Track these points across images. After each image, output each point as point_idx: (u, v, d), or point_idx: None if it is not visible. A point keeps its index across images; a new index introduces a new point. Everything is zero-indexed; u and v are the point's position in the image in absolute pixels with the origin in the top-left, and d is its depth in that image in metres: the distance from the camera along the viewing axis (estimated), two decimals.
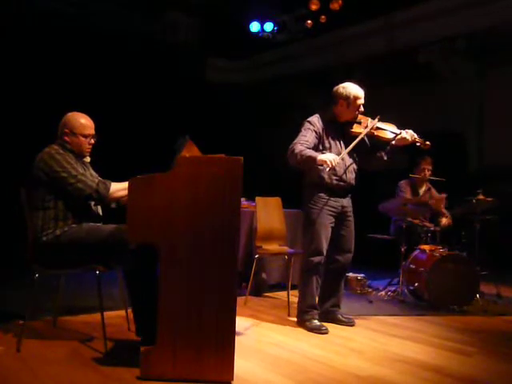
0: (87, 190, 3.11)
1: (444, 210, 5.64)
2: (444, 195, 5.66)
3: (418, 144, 4.02)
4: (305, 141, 3.84)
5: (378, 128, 3.98)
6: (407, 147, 4.05)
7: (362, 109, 3.96)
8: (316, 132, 3.91)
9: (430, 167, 5.75)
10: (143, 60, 7.97)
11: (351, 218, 4.06)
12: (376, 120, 3.96)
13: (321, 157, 3.69)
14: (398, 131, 4.00)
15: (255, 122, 9.30)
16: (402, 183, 5.88)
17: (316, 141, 3.90)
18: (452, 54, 7.44)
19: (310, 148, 3.82)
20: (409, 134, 3.95)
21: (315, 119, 3.97)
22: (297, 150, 3.77)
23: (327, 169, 3.68)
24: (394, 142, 3.99)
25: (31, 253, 3.15)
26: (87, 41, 7.32)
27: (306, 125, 3.95)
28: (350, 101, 3.91)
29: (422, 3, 7.06)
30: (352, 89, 3.93)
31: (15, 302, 4.04)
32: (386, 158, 4.05)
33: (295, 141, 3.87)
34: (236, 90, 9.50)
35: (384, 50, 7.72)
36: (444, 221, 5.54)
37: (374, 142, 4.06)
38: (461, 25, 6.89)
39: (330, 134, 3.96)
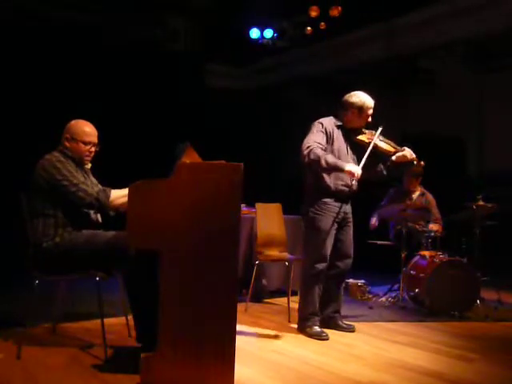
0: (88, 198, 3.12)
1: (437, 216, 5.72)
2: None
3: (414, 163, 4.09)
4: (318, 143, 3.86)
5: (380, 140, 4.03)
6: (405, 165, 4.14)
7: (370, 119, 4.01)
8: (327, 134, 3.94)
9: (416, 179, 5.84)
10: (143, 66, 7.98)
11: (351, 224, 4.08)
12: (380, 129, 4.00)
13: (349, 168, 3.74)
14: (398, 147, 4.06)
15: (255, 128, 9.30)
16: (392, 190, 5.97)
17: (326, 143, 3.94)
18: (452, 60, 7.47)
19: (323, 150, 3.88)
20: (408, 152, 4.01)
21: (327, 121, 4.00)
22: (319, 154, 3.78)
23: (354, 181, 3.78)
24: (394, 158, 4.03)
25: (31, 259, 3.15)
26: (87, 47, 7.34)
27: (318, 126, 3.96)
28: (362, 110, 3.96)
29: (422, 9, 7.08)
30: (365, 98, 3.99)
31: (15, 308, 4.03)
32: (385, 172, 4.10)
33: (308, 141, 3.85)
34: (236, 96, 9.51)
35: (384, 56, 7.74)
36: (434, 227, 5.55)
37: (376, 154, 4.09)
38: (460, 30, 6.91)
39: (338, 137, 4.00)
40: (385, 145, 4.04)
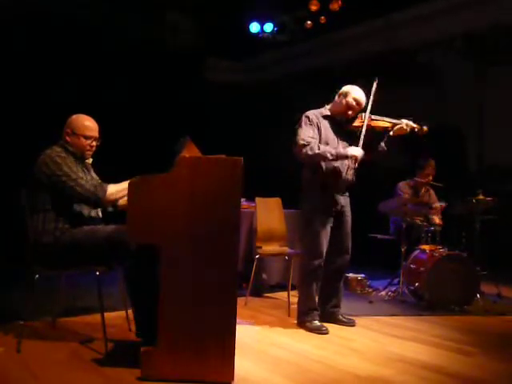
0: (86, 194, 3.12)
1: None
2: (442, 205, 5.70)
3: (416, 130, 4.04)
4: (311, 137, 3.86)
5: (373, 120, 3.99)
6: (407, 138, 4.08)
7: (350, 112, 3.94)
8: (317, 126, 3.93)
9: (434, 172, 5.78)
10: (144, 61, 7.97)
11: (349, 218, 4.06)
12: (368, 109, 3.92)
13: (351, 152, 3.78)
14: (394, 121, 4.02)
15: (255, 122, 9.29)
16: (402, 184, 5.89)
17: (318, 135, 3.93)
18: (452, 54, 7.45)
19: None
20: (404, 123, 3.98)
21: (312, 113, 3.99)
22: (321, 149, 3.79)
23: (356, 164, 3.82)
24: (391, 133, 4.01)
25: (31, 254, 3.15)
26: (87, 42, 7.32)
27: (305, 120, 3.95)
28: (345, 96, 3.94)
29: (422, 3, 7.06)
30: (352, 88, 3.97)
31: (15, 302, 4.04)
32: (386, 148, 4.07)
33: (303, 138, 3.84)
34: (236, 91, 9.49)
35: (384, 51, 7.72)
36: (436, 219, 5.55)
37: (374, 134, 4.05)
38: (460, 24, 6.89)
39: (325, 127, 3.97)
40: (380, 122, 4.01)
